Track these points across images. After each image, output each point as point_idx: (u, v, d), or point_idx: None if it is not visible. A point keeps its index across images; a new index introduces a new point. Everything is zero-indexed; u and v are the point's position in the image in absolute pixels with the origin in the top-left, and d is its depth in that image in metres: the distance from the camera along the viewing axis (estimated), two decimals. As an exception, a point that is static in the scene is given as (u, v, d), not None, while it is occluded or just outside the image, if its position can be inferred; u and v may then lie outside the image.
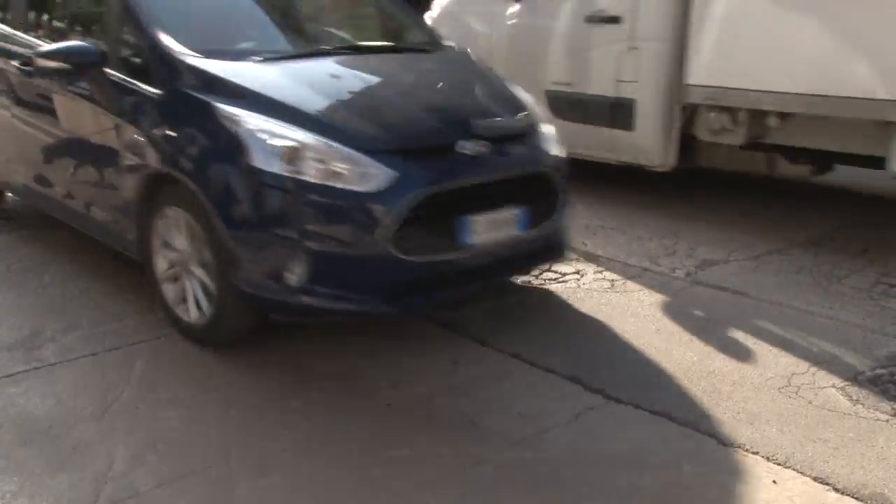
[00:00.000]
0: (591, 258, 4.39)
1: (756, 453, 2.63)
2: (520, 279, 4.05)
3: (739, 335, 3.47)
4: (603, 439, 2.67)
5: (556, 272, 4.17)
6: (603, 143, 4.94)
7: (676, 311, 3.70)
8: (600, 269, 4.24)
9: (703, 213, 5.22)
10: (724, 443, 2.68)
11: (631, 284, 4.01)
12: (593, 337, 3.43)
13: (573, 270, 4.21)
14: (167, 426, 2.57)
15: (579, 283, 4.04)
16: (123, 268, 3.79)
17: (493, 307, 3.68)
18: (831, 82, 3.87)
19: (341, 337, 3.30)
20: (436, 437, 2.63)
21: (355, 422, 2.70)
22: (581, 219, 5.05)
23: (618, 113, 4.76)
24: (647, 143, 4.74)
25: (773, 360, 3.24)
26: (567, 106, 4.94)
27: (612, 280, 4.07)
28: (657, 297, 3.85)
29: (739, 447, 2.65)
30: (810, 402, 2.94)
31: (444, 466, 2.47)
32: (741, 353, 3.31)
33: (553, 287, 3.98)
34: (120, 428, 2.58)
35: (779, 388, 3.03)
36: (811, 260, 4.39)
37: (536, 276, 4.10)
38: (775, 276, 4.13)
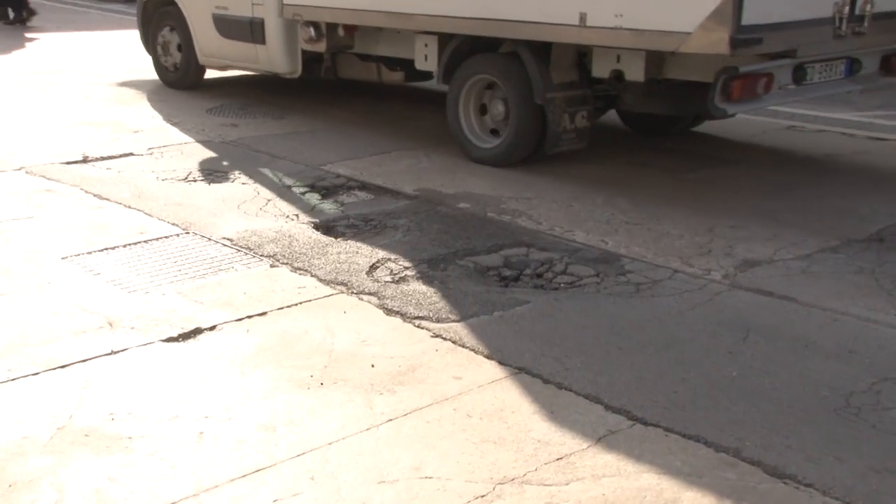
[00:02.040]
0: (612, 258, 4.37)
1: (810, 486, 2.59)
2: (531, 281, 4.05)
3: (787, 347, 3.44)
4: (628, 469, 2.64)
5: (571, 274, 4.16)
6: (251, 57, 7.23)
7: (713, 320, 3.68)
8: (623, 270, 4.22)
9: (743, 205, 5.21)
10: (772, 473, 2.64)
11: (659, 288, 4.00)
12: (615, 349, 3.40)
13: (592, 272, 4.18)
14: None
15: (599, 287, 4.02)
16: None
17: (497, 314, 3.67)
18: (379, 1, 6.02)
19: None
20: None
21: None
22: (600, 212, 5.05)
23: (255, 30, 7.03)
24: (276, 54, 7.01)
25: (827, 377, 3.20)
26: (226, 26, 7.31)
27: (638, 283, 4.06)
28: (690, 304, 3.84)
29: (790, 479, 2.62)
30: (874, 427, 2.90)
31: None
32: (790, 369, 3.27)
33: (568, 291, 3.97)
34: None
35: (835, 410, 2.99)
36: (873, 259, 4.36)
37: (549, 280, 4.09)
38: (829, 278, 4.11)
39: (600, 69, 5.45)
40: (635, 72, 5.27)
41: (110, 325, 3.52)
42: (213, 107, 7.62)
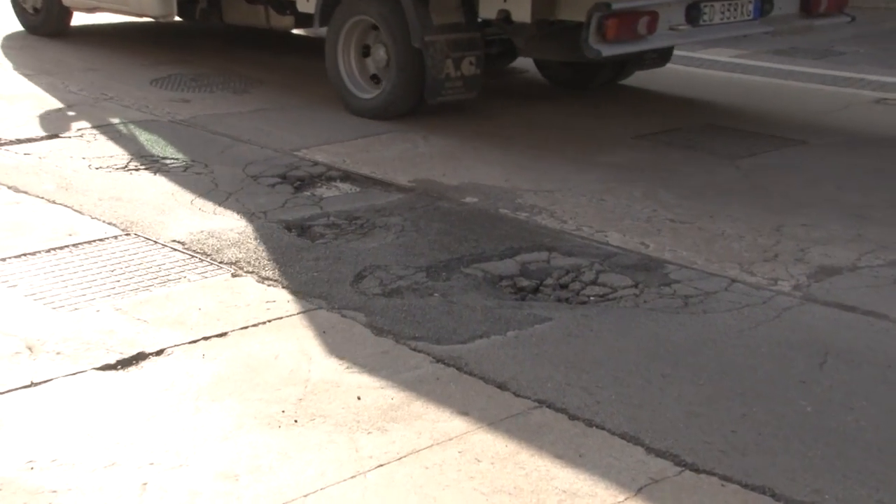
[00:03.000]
0: (654, 265, 4.37)
1: (903, 548, 2.59)
2: (553, 293, 4.06)
3: (875, 375, 3.43)
4: (675, 527, 2.64)
5: (603, 284, 4.16)
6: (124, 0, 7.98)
7: (781, 341, 3.67)
8: (668, 280, 4.22)
9: (818, 197, 5.21)
10: (855, 532, 2.64)
11: (713, 302, 4.00)
12: (658, 377, 3.40)
13: (629, 282, 4.19)
14: None
15: (638, 301, 4.02)
16: None
17: (512, 334, 3.67)
18: None
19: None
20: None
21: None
22: (639, 207, 5.06)
23: None
24: None
25: (923, 412, 3.20)
26: None
27: (686, 296, 4.06)
28: (752, 321, 3.83)
29: (877, 539, 2.61)
30: (981, 473, 2.89)
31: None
32: (878, 403, 3.27)
33: (599, 306, 3.97)
34: None
35: (934, 453, 2.99)
36: (976, 266, 4.37)
37: (576, 291, 4.09)
38: (924, 289, 4.12)
39: (487, 9, 5.87)
40: (522, 12, 5.65)
41: (30, 349, 3.53)
42: (158, 77, 7.65)
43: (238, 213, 4.91)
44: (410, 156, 5.90)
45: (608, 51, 5.55)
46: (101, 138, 6.11)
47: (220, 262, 4.31)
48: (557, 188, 5.35)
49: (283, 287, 4.07)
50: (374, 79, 6.60)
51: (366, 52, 6.61)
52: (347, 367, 3.44)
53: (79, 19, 9.14)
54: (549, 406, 3.21)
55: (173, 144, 6.02)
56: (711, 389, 3.33)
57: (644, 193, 5.28)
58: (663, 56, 7.37)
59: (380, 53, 6.49)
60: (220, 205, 5.02)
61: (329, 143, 6.10)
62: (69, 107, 6.77)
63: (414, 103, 6.43)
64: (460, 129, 6.36)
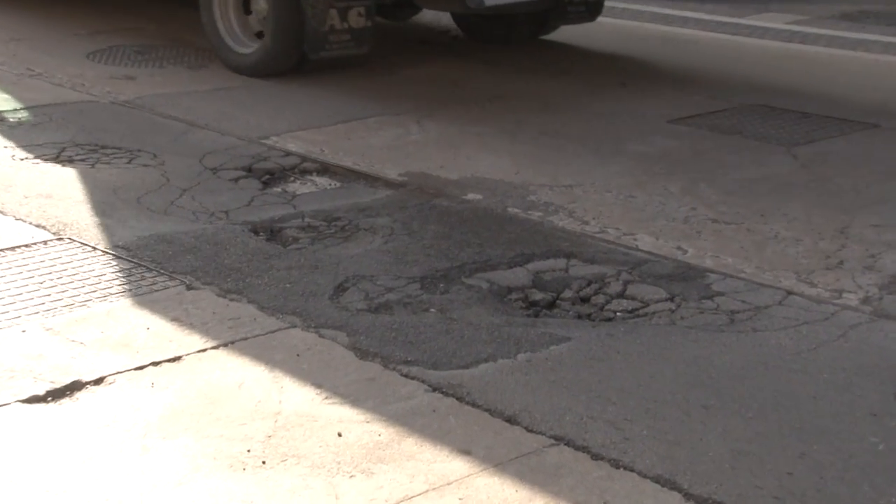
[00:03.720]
0: (693, 274, 4.39)
1: None
2: (572, 308, 4.07)
3: (958, 405, 3.44)
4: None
5: (632, 298, 4.17)
6: None
7: (846, 366, 3.68)
8: (710, 292, 4.23)
9: (892, 193, 5.23)
10: None
11: (765, 319, 4.01)
12: (699, 409, 3.41)
13: (663, 295, 4.20)
14: None
15: (674, 317, 4.03)
16: None
17: (524, 357, 3.67)
18: None
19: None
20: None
21: None
22: (675, 205, 5.07)
23: None
24: None
25: None
26: None
27: (732, 312, 4.07)
28: (812, 341, 3.84)
29: None
30: None
31: None
32: (962, 437, 3.27)
33: (628, 324, 3.98)
34: None
35: None
36: None
37: (600, 306, 4.10)
38: None
39: None
40: None
41: (-53, 376, 3.54)
42: (97, 49, 7.66)
43: (194, 213, 4.93)
44: (401, 144, 5.91)
45: (491, 0, 6.10)
46: (28, 123, 6.12)
47: (173, 273, 4.32)
48: (578, 182, 5.36)
49: (249, 301, 4.08)
50: (260, 36, 7.06)
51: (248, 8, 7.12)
52: (326, 398, 3.45)
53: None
54: (567, 443, 3.21)
55: (115, 131, 6.03)
56: (763, 424, 3.34)
57: (682, 188, 5.28)
58: (592, 10, 7.78)
59: (260, 4, 6.92)
60: (172, 203, 5.03)
61: (304, 128, 6.11)
62: (-11, 85, 6.79)
63: (296, 59, 6.88)
64: (460, 112, 6.38)
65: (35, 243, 4.57)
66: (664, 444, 3.22)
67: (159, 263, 4.40)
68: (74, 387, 3.49)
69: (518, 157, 5.71)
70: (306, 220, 4.88)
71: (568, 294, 4.20)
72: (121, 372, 3.58)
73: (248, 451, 3.17)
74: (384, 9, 7.34)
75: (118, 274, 4.31)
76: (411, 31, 8.51)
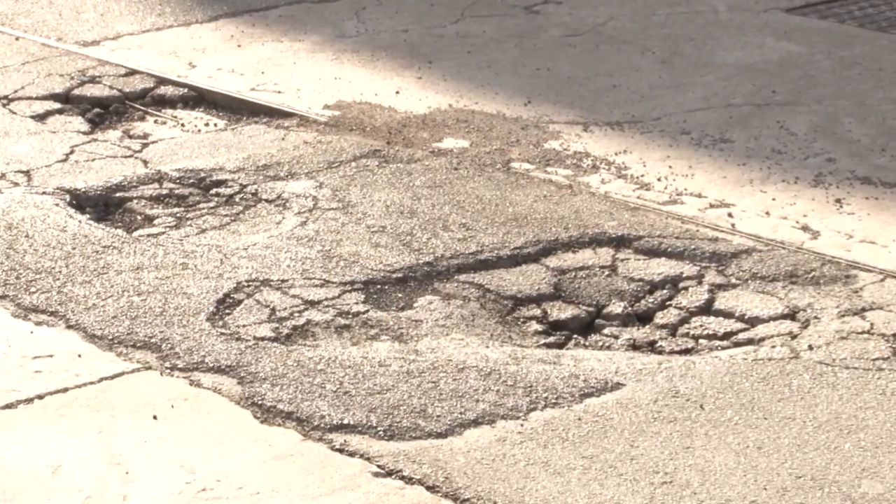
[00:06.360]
0: (833, 271, 4.43)
1: None
2: (623, 333, 4.09)
3: None
4: None
5: (729, 315, 4.20)
6: None
7: None
8: (861, 304, 4.28)
9: None
10: None
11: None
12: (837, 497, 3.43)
13: (781, 310, 4.23)
14: None
15: (799, 348, 4.05)
16: None
17: (540, 419, 3.68)
18: None
19: None
20: None
21: None
22: (798, 153, 5.13)
23: None
24: None
25: None
26: None
27: (888, 336, 4.12)
28: None
29: None
30: None
31: None
32: None
33: (720, 359, 4.02)
34: None
35: None
36: None
37: (671, 329, 4.12)
38: None
39: None
40: None
41: None
42: None
43: (-25, 174, 4.94)
44: (329, 52, 5.92)
45: None
46: None
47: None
48: (632, 117, 5.38)
49: (70, 327, 4.08)
50: None
51: None
52: (203, 490, 3.45)
53: None
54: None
55: None
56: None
57: (810, 125, 5.31)
58: None
59: None
60: (-63, 158, 5.05)
61: (161, 27, 6.13)
62: None
63: None
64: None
65: None
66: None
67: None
68: None
69: (527, 77, 5.71)
70: (166, 185, 4.88)
71: (615, 309, 4.22)
72: None
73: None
74: None
75: None
76: None
